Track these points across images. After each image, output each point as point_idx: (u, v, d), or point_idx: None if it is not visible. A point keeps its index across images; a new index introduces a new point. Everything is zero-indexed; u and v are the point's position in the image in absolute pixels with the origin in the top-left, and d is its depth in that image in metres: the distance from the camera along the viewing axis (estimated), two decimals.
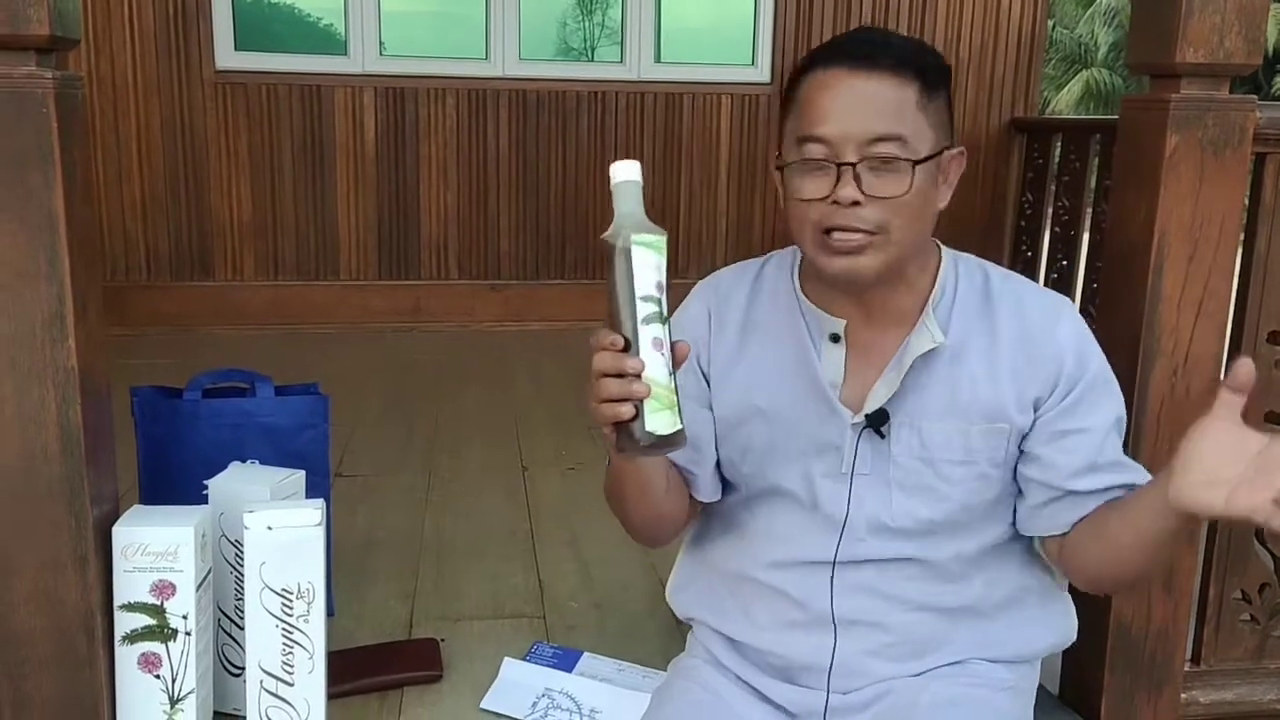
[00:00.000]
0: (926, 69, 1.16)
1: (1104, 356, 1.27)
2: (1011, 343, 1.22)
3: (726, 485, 1.35)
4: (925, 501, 1.24)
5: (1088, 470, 1.22)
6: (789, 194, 1.18)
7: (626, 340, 1.02)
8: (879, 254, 1.16)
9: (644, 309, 1.03)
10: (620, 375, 1.01)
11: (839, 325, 1.24)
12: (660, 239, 1.04)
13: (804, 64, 1.20)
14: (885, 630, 1.27)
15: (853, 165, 1.13)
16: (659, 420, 1.02)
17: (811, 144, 1.15)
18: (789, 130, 1.20)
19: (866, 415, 1.22)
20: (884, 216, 1.14)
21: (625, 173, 1.08)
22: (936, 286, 1.24)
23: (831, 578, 1.26)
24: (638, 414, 1.02)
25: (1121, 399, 1.27)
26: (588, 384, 1.04)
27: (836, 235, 1.15)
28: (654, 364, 1.02)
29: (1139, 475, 1.24)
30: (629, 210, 1.06)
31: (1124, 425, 1.27)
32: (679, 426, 1.04)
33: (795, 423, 1.26)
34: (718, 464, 1.33)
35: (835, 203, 1.13)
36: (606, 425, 1.04)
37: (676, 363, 1.05)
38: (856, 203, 1.13)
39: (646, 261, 1.03)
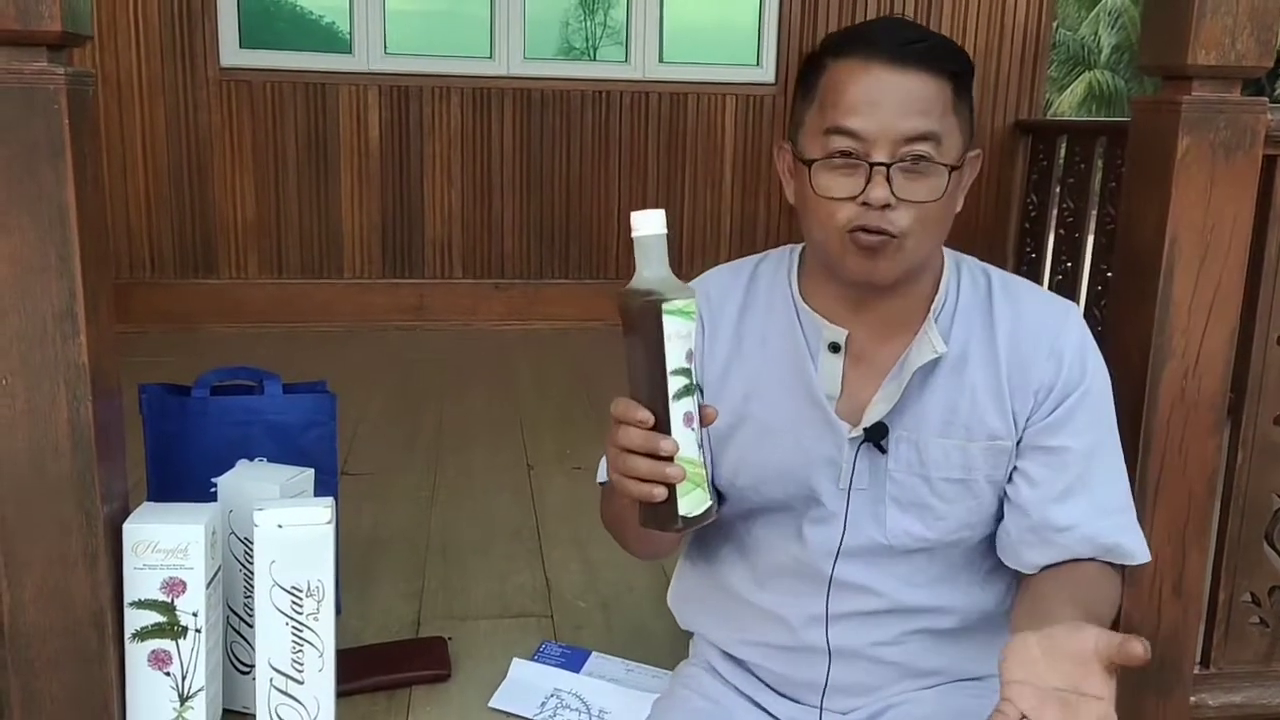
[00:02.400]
0: (960, 70, 1.11)
1: (1105, 374, 1.21)
2: (1009, 352, 1.16)
3: (722, 498, 1.27)
4: (921, 519, 1.19)
5: (1064, 495, 1.16)
6: (812, 190, 1.10)
7: (655, 415, 0.95)
8: (899, 256, 1.10)
9: (675, 383, 0.95)
10: (651, 455, 0.95)
11: (840, 335, 1.18)
12: (692, 303, 0.96)
13: (828, 48, 1.12)
14: (885, 650, 1.23)
15: (886, 166, 1.07)
16: (691, 501, 0.97)
17: (840, 136, 1.08)
18: (811, 120, 1.12)
19: (865, 429, 1.17)
20: (911, 221, 1.08)
21: (650, 225, 0.96)
22: (940, 292, 1.19)
23: (827, 600, 1.23)
24: (670, 496, 0.97)
25: (1114, 427, 1.21)
26: (608, 447, 0.99)
27: (862, 235, 1.09)
28: (685, 442, 0.96)
29: (1120, 534, 1.17)
30: (656, 270, 0.96)
31: (1114, 455, 1.21)
32: (709, 503, 0.99)
33: (791, 437, 1.20)
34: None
35: (865, 204, 1.07)
36: (626, 495, 0.99)
37: (704, 425, 0.99)
38: (887, 205, 1.07)
39: (679, 331, 0.95)
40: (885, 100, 1.07)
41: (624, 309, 0.96)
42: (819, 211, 1.11)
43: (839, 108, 1.09)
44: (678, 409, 0.96)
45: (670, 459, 0.95)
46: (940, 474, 1.17)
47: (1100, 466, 1.18)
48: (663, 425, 0.96)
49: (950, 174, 1.09)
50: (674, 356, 0.95)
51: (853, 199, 1.08)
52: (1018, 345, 1.16)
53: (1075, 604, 1.08)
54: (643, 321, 0.95)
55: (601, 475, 1.27)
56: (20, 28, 1.21)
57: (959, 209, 1.16)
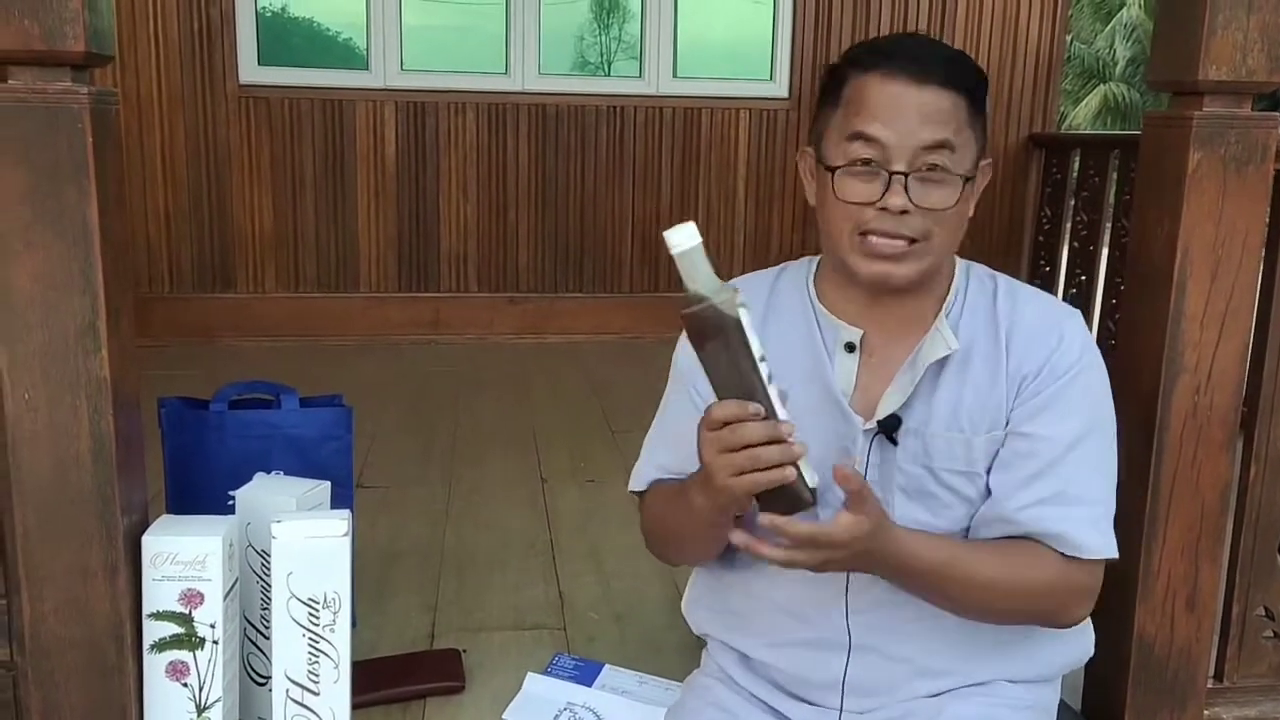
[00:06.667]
0: (975, 85, 1.19)
1: (1100, 374, 1.23)
2: (1008, 346, 1.22)
3: None
4: (928, 508, 1.22)
5: (1029, 481, 1.18)
6: (832, 193, 1.18)
7: (761, 405, 1.02)
8: (918, 262, 1.17)
9: (764, 369, 1.02)
10: (774, 441, 1.02)
11: (855, 335, 1.24)
12: (741, 293, 1.04)
13: (853, 61, 1.20)
14: (900, 644, 1.25)
15: (904, 175, 1.14)
16: (809, 472, 1.04)
17: (862, 143, 1.15)
18: (834, 127, 1.19)
19: (879, 421, 1.21)
20: (928, 226, 1.16)
21: (688, 238, 1.01)
22: (951, 293, 1.25)
23: (846, 590, 1.25)
24: (798, 473, 1.03)
25: (1103, 424, 1.22)
26: (718, 461, 1.04)
27: (875, 239, 1.16)
28: (788, 418, 1.03)
29: (1069, 524, 1.18)
30: (709, 276, 1.02)
31: (1097, 452, 1.21)
32: (818, 475, 1.06)
33: (807, 432, 1.21)
34: None
35: (883, 209, 1.15)
36: (750, 493, 1.05)
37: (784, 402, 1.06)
38: (905, 211, 1.14)
39: (750, 322, 1.02)
40: (906, 111, 1.15)
41: (700, 322, 1.02)
42: (837, 213, 1.19)
43: (862, 115, 1.16)
44: (773, 391, 1.03)
45: (786, 439, 1.02)
46: (944, 465, 1.21)
47: (1075, 458, 1.19)
48: (770, 411, 1.02)
49: (964, 184, 1.16)
50: (756, 346, 1.02)
51: (871, 204, 1.15)
52: (1015, 339, 1.22)
53: (979, 548, 1.19)
54: (724, 327, 1.01)
55: (636, 484, 1.35)
56: (45, 48, 1.23)
57: (971, 214, 1.23)
